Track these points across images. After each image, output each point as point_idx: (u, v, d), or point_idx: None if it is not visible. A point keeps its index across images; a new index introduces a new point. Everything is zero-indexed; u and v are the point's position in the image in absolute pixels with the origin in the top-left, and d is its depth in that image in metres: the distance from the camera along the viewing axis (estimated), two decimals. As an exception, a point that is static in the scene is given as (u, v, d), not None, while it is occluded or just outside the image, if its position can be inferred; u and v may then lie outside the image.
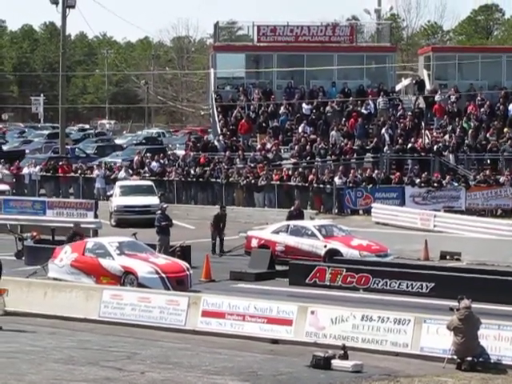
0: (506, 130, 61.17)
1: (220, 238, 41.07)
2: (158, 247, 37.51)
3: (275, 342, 25.75)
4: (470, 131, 61.63)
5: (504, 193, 54.42)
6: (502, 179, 56.09)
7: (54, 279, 32.91)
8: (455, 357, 23.47)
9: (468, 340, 23.45)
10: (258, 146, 62.15)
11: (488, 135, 61.21)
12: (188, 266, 33.71)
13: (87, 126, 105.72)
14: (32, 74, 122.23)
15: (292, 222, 40.76)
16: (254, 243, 39.25)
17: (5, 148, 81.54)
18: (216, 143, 64.40)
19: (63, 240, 37.58)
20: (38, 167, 63.86)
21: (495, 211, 52.66)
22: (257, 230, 40.87)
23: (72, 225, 40.37)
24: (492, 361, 23.35)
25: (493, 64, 69.00)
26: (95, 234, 43.39)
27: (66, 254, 34.29)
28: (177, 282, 32.13)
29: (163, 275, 32.27)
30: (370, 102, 65.21)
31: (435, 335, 24.42)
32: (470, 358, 23.33)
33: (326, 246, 37.47)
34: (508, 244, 41.51)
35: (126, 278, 32.38)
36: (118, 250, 33.80)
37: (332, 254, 36.83)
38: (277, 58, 68.24)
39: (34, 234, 40.97)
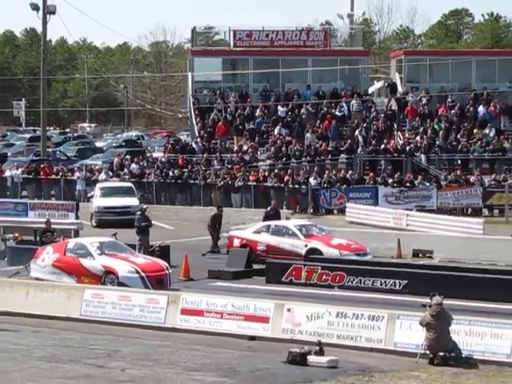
0: (475, 131, 61.51)
1: (216, 237, 41.12)
2: (138, 247, 37.61)
3: (253, 338, 25.78)
4: (440, 132, 61.86)
5: (474, 192, 54.62)
6: (472, 179, 56.32)
7: (36, 279, 32.93)
8: (428, 352, 23.57)
9: (440, 335, 23.58)
10: (235, 148, 62.25)
11: (458, 136, 61.47)
12: (167, 265, 33.83)
13: (68, 130, 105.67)
14: (13, 79, 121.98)
15: (273, 222, 40.84)
16: (236, 243, 39.29)
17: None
18: (194, 145, 64.40)
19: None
20: (19, 170, 63.82)
21: (466, 210, 52.90)
22: (238, 230, 40.90)
23: (44, 223, 40.75)
24: (463, 355, 23.48)
25: (462, 67, 69.28)
26: (76, 234, 43.35)
27: (47, 255, 34.32)
28: (156, 281, 32.20)
29: (143, 274, 32.37)
30: (344, 104, 65.41)
31: (408, 331, 24.52)
32: (442, 353, 23.43)
33: (306, 246, 37.55)
34: (478, 242, 41.80)
35: (107, 277, 32.41)
36: (98, 250, 33.79)
37: (312, 253, 36.93)
38: (253, 61, 68.35)
39: (16, 235, 41.07)
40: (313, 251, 37.14)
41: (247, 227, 40.93)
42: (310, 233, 39.02)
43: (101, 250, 33.77)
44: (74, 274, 33.23)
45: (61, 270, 33.56)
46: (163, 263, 33.90)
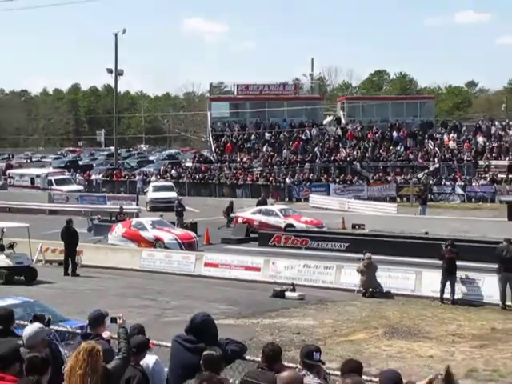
0: (391, 148, 61.60)
1: (229, 219, 41.05)
2: (176, 223, 37.64)
3: (250, 281, 25.81)
4: (369, 149, 61.89)
5: (390, 187, 54.68)
6: (389, 178, 56.49)
7: (112, 245, 32.86)
8: (361, 289, 23.77)
9: (369, 278, 23.72)
10: (238, 160, 62.25)
11: (380, 151, 61.49)
12: (195, 235, 33.80)
13: (131, 149, 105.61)
14: (96, 117, 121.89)
15: (263, 207, 40.68)
16: (240, 220, 38.98)
17: (80, 163, 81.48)
18: (211, 158, 64.43)
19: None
20: (100, 174, 63.93)
21: (385, 198, 52.90)
22: (241, 212, 40.80)
23: (118, 209, 41.29)
24: (384, 291, 23.65)
25: (383, 107, 69.25)
26: (137, 216, 43.28)
27: (118, 229, 34.22)
28: (188, 245, 32.11)
29: (180, 241, 32.36)
30: (307, 131, 65.28)
31: (349, 275, 24.68)
32: (370, 290, 23.60)
33: (285, 222, 37.43)
34: (393, 218, 41.99)
35: (157, 243, 32.27)
36: (151, 225, 33.58)
37: (288, 227, 36.83)
38: (249, 104, 68.12)
39: (99, 216, 41.10)
40: (289, 225, 37.05)
41: (246, 210, 40.87)
42: (287, 213, 38.87)
43: (153, 226, 33.53)
44: (135, 241, 33.11)
45: (127, 238, 33.33)
46: (193, 234, 33.77)
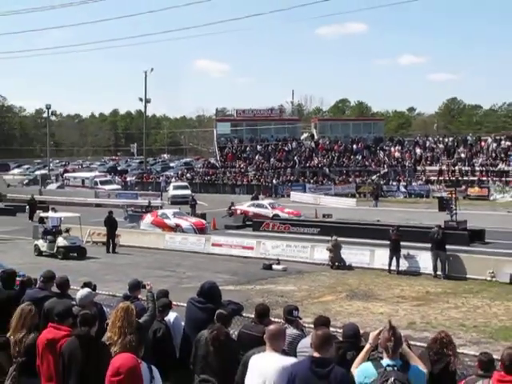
0: (352, 157, 61.54)
1: (229, 213, 40.41)
2: (190, 213, 37.64)
3: (246, 257, 25.69)
4: (335, 157, 61.85)
5: (351, 186, 54.76)
6: (350, 179, 56.47)
7: (143, 229, 32.62)
8: (330, 263, 23.70)
9: (335, 255, 23.66)
10: (237, 166, 62.15)
11: (344, 159, 61.48)
12: (205, 222, 33.58)
13: (157, 158, 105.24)
14: (131, 133, 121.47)
15: (255, 201, 40.65)
16: (238, 212, 38.89)
17: (119, 168, 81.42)
18: (217, 164, 64.33)
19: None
20: (134, 177, 63.84)
21: (348, 195, 52.99)
22: (239, 205, 40.54)
23: (147, 202, 40.77)
24: (347, 264, 23.56)
25: (346, 126, 69.26)
26: (161, 208, 43.18)
27: (148, 218, 33.98)
28: (200, 230, 31.83)
29: (194, 227, 32.10)
30: (289, 144, 65.26)
31: (321, 253, 24.57)
32: (336, 263, 23.53)
33: (272, 213, 37.34)
34: (353, 210, 42.07)
35: (177, 228, 31.94)
36: (172, 215, 33.30)
37: (275, 216, 36.50)
38: (245, 124, 68.17)
39: (132, 208, 41.01)
40: (275, 215, 36.86)
41: (243, 204, 40.77)
42: (274, 206, 38.83)
43: (174, 215, 33.24)
44: (160, 227, 32.72)
45: (154, 225, 33.08)
46: (204, 221, 33.52)
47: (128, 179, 63.50)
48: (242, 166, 62.16)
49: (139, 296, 7.91)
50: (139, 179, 62.42)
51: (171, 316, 7.55)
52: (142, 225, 33.75)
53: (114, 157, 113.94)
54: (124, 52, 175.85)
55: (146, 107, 70.64)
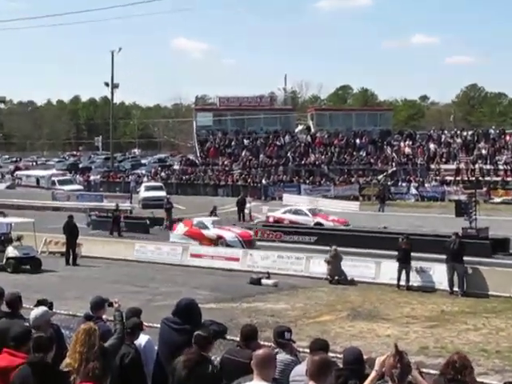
0: (355, 153, 61.80)
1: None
2: (165, 219, 37.57)
3: (230, 270, 25.68)
4: (335, 154, 62.05)
5: (353, 187, 54.93)
6: (353, 180, 56.68)
7: (172, 242, 30.51)
8: (328, 276, 23.80)
9: (335, 268, 23.77)
10: (220, 163, 62.23)
11: (345, 156, 61.71)
12: (251, 232, 31.44)
13: (126, 154, 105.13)
14: (95, 124, 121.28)
15: (293, 207, 39.29)
16: (271, 220, 37.54)
17: (80, 165, 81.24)
18: (197, 161, 64.37)
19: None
20: (98, 176, 63.80)
21: (349, 197, 53.05)
22: (271, 212, 38.70)
23: (114, 206, 39.97)
24: (349, 278, 23.66)
25: (347, 117, 69.49)
26: (130, 213, 43.18)
27: (180, 228, 32.29)
28: (248, 242, 29.80)
29: (240, 239, 29.98)
30: (281, 138, 65.42)
31: (318, 265, 24.67)
32: (336, 277, 23.63)
33: (314, 220, 36.10)
34: (356, 215, 41.98)
35: (218, 241, 29.98)
36: (212, 224, 31.54)
37: (317, 225, 35.30)
38: (230, 114, 68.32)
39: (96, 212, 40.88)
40: (318, 223, 35.72)
41: (277, 210, 39.29)
42: (316, 213, 37.56)
43: (213, 225, 31.46)
44: (197, 239, 30.85)
45: (189, 236, 31.16)
46: (250, 232, 31.40)
47: (91, 178, 63.34)
48: (226, 163, 62.17)
49: (104, 316, 7.91)
50: (105, 178, 62.27)
51: (142, 339, 7.54)
52: (173, 236, 32.10)
53: (74, 152, 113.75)
54: (87, 28, 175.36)
55: (113, 93, 70.58)
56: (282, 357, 6.70)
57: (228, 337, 7.66)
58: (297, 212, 37.69)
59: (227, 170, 60.37)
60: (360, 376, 5.92)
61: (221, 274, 25.04)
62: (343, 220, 36.78)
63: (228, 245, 29.42)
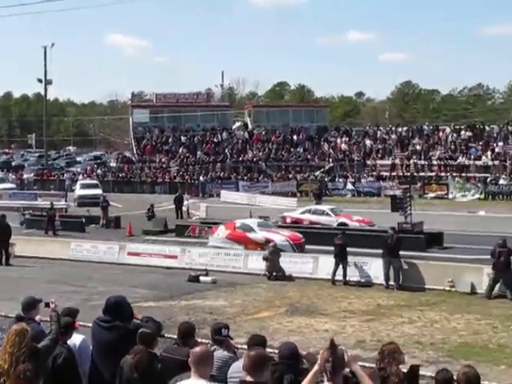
0: (292, 150, 62.24)
1: (148, 216, 39.45)
2: (101, 217, 37.14)
3: (169, 268, 25.52)
4: (273, 150, 62.40)
5: (291, 183, 55.36)
6: (290, 176, 57.08)
7: (214, 247, 28.15)
8: (267, 273, 23.84)
9: (273, 264, 23.82)
10: (157, 160, 61.89)
11: (283, 152, 62.12)
12: (301, 236, 28.57)
13: (61, 151, 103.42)
14: (28, 121, 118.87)
15: (313, 207, 37.74)
16: (288, 220, 35.65)
17: (13, 164, 79.65)
18: (133, 159, 63.87)
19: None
20: (32, 174, 62.68)
21: (287, 193, 53.37)
22: (289, 212, 36.73)
23: (49, 205, 39.22)
24: (287, 274, 23.69)
25: (284, 113, 70.18)
26: (66, 211, 42.47)
27: (221, 231, 29.61)
28: (298, 246, 27.60)
29: (291, 242, 27.73)
30: (219, 135, 65.44)
31: (256, 262, 24.68)
32: (274, 273, 23.68)
33: (337, 221, 34.02)
34: (293, 211, 42.15)
35: (266, 244, 26.53)
36: (257, 226, 29.06)
37: (341, 225, 32.33)
38: (166, 111, 67.98)
39: (31, 211, 40.11)
40: (341, 223, 33.32)
41: (295, 210, 37.92)
42: (337, 213, 35.29)
43: (259, 227, 29.01)
44: (242, 242, 28.42)
45: (232, 240, 28.65)
46: (299, 235, 28.63)
47: (25, 176, 62.14)
48: (163, 160, 61.83)
49: (37, 317, 7.76)
50: (39, 176, 61.19)
51: (77, 339, 7.44)
52: (212, 240, 29.59)
53: (6, 150, 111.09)
54: (18, 22, 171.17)
55: (46, 90, 69.31)
56: (220, 353, 6.70)
57: (166, 334, 7.62)
58: (317, 212, 35.62)
59: (164, 168, 60.05)
60: (295, 370, 5.96)
61: (159, 272, 24.82)
62: (368, 220, 34.44)
63: (278, 248, 25.96)
